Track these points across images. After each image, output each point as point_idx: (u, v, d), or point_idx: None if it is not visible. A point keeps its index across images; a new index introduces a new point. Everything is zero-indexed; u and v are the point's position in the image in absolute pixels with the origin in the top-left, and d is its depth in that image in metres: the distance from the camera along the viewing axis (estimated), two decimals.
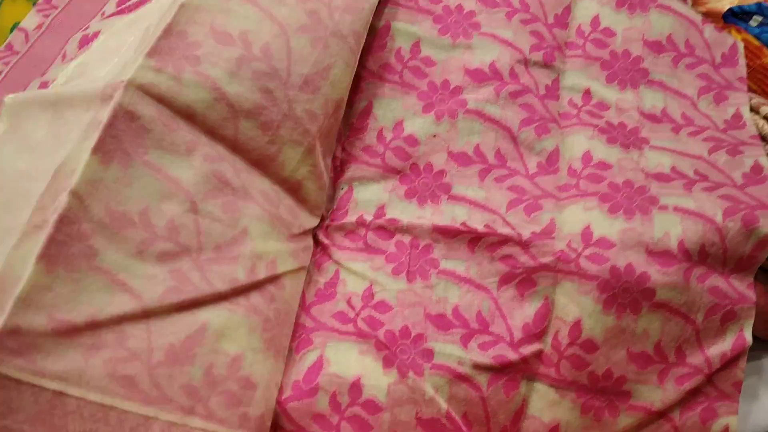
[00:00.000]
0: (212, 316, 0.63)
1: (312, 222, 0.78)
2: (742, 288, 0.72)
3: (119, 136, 0.59)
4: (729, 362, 0.72)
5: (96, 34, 0.83)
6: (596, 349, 0.70)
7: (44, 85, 0.81)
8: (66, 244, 0.55)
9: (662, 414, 0.72)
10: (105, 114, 0.59)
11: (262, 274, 0.68)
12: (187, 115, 0.65)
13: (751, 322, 0.72)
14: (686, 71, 0.88)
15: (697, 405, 0.72)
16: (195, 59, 0.66)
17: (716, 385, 0.72)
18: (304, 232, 0.76)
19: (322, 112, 0.74)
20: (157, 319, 0.59)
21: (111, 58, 0.71)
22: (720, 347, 0.72)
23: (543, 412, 0.71)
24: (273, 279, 0.69)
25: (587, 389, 0.71)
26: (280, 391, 0.68)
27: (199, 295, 0.62)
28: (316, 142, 0.74)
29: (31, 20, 0.91)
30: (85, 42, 0.83)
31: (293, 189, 0.74)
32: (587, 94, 0.85)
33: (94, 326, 0.55)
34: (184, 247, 0.63)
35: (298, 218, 0.74)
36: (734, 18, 0.96)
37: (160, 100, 0.63)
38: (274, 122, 0.70)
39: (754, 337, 0.72)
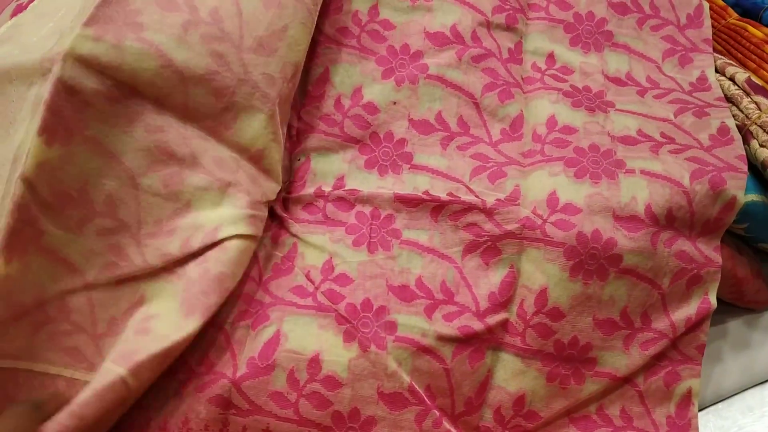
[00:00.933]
0: (149, 287, 0.64)
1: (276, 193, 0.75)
2: (708, 251, 0.71)
3: (61, 113, 0.57)
4: (693, 326, 0.71)
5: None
6: (562, 317, 0.69)
7: None
8: (21, 232, 0.55)
9: (627, 379, 0.71)
10: (45, 90, 0.57)
11: (197, 244, 0.65)
12: (131, 85, 0.62)
13: (716, 285, 0.71)
14: (651, 33, 0.87)
15: (660, 369, 0.72)
16: (137, 26, 0.62)
17: (680, 349, 0.72)
18: (266, 203, 0.73)
19: (280, 76, 0.71)
20: (99, 293, 0.61)
21: (45, 21, 0.67)
22: (685, 311, 0.71)
23: (508, 382, 0.69)
24: (213, 246, 0.66)
25: (553, 357, 0.70)
26: (234, 369, 0.66)
27: (135, 270, 0.63)
28: (276, 108, 0.71)
29: None
30: (19, 11, 0.78)
31: (255, 158, 0.71)
32: (551, 57, 0.83)
33: (40, 304, 0.57)
34: (122, 223, 0.62)
35: (261, 187, 0.71)
36: None
37: (101, 71, 0.60)
38: (229, 88, 0.67)
39: (719, 300, 0.72)
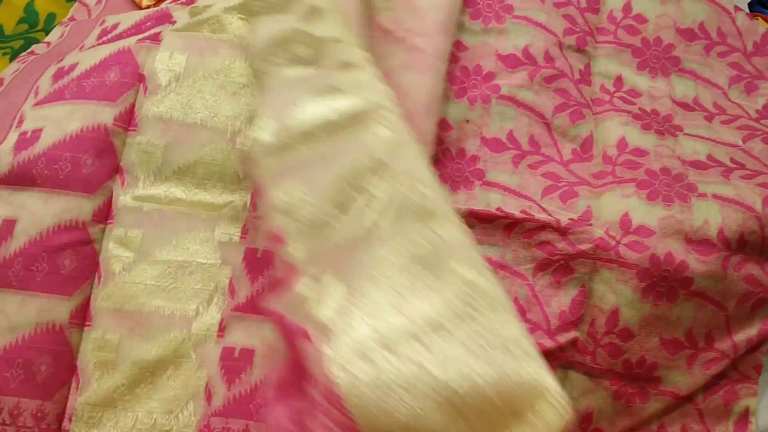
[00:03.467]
0: None
1: None
2: None
3: None
4: (753, 347, 0.73)
5: (73, 66, 0.81)
6: (632, 337, 0.70)
7: (20, 121, 0.79)
8: None
9: (688, 398, 0.73)
10: None
11: None
12: None
13: None
14: (718, 60, 0.88)
15: (719, 388, 0.73)
16: None
17: (739, 368, 0.74)
18: None
19: None
20: None
21: None
22: (747, 333, 0.73)
23: (577, 400, 0.71)
24: None
25: (621, 376, 0.71)
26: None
27: None
28: None
29: (9, 69, 0.89)
30: (60, 75, 0.81)
31: None
32: (618, 80, 0.85)
33: None
34: None
35: None
36: (761, 7, 0.96)
37: None
38: None
39: None
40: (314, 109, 0.67)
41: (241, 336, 0.70)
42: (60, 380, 0.69)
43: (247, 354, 0.69)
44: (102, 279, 0.72)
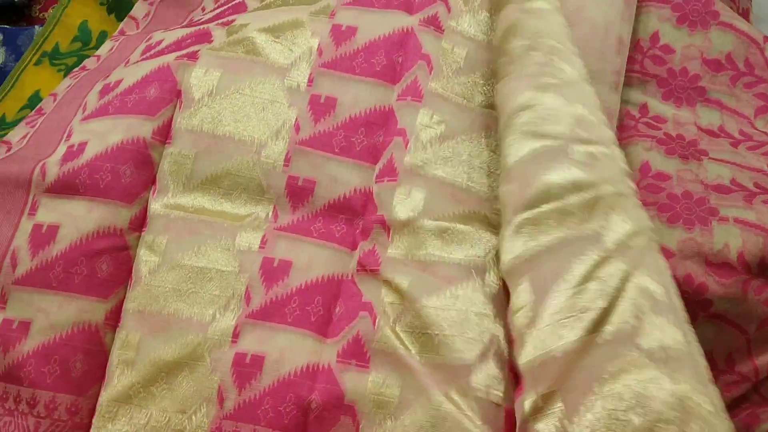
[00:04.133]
0: None
1: None
2: None
3: None
4: None
5: (117, 83, 0.86)
6: None
7: (69, 135, 0.84)
8: None
9: None
10: None
11: None
12: None
13: None
14: (744, 90, 0.89)
15: (741, 411, 0.73)
16: None
17: (760, 391, 0.73)
18: None
19: None
20: None
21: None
22: None
23: None
24: None
25: None
26: None
27: None
28: None
29: (63, 84, 0.95)
30: (106, 91, 0.86)
31: None
32: (644, 107, 0.86)
33: None
34: None
35: None
36: None
37: None
38: None
39: None
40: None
41: (253, 342, 0.72)
42: (93, 378, 0.72)
43: (258, 360, 0.71)
44: (132, 282, 0.75)
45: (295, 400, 0.69)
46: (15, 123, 0.90)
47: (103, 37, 1.02)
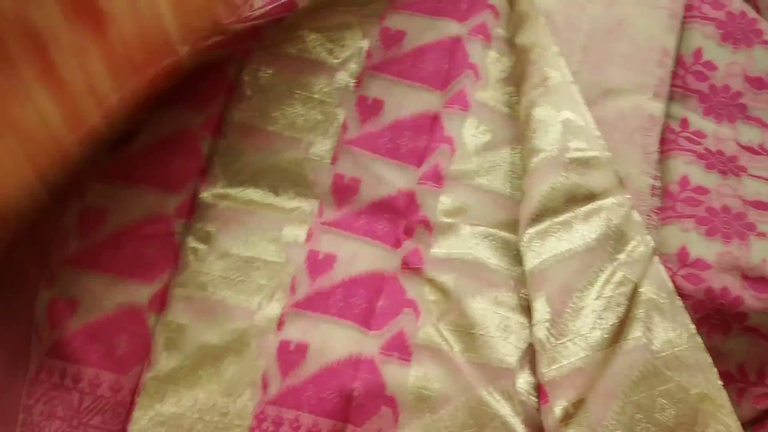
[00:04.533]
0: None
1: None
2: None
3: None
4: None
5: None
6: None
7: None
8: None
9: None
10: None
11: None
12: None
13: None
14: None
15: None
16: None
17: None
18: None
19: None
20: None
21: None
22: None
23: None
24: None
25: None
26: None
27: None
28: None
29: None
30: None
31: None
32: (684, 122, 0.87)
33: None
34: None
35: None
36: None
37: None
38: None
39: None
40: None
41: (297, 331, 0.74)
42: (136, 358, 0.75)
43: (302, 348, 0.73)
44: (179, 269, 0.78)
45: (338, 388, 0.71)
46: None
47: None
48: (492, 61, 0.88)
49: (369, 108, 0.86)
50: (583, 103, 0.80)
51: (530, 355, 0.72)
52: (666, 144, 0.85)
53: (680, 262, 0.73)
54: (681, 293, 0.71)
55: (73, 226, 0.78)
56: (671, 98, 0.88)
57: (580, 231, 0.73)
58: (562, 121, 0.78)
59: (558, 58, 0.83)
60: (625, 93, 0.84)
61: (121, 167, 0.80)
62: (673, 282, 0.72)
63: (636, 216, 0.73)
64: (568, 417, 0.67)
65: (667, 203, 0.79)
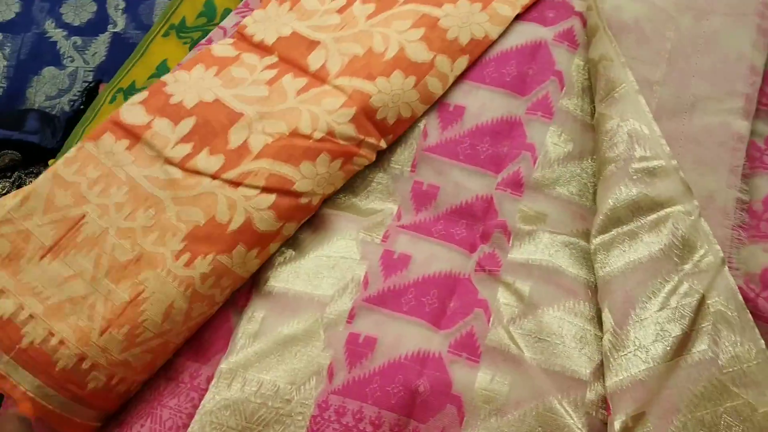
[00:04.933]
0: None
1: None
2: None
3: None
4: None
5: None
6: None
7: None
8: None
9: None
10: None
11: None
12: None
13: None
14: None
15: None
16: None
17: None
18: None
19: None
20: None
21: None
22: None
23: None
24: None
25: None
26: None
27: None
28: None
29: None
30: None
31: None
32: None
33: None
34: None
35: None
36: None
37: None
38: None
39: None
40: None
41: (367, 325, 0.75)
42: (217, 349, 0.77)
43: (371, 341, 0.73)
44: (265, 270, 0.80)
45: (404, 382, 0.71)
46: (143, 89, 0.93)
47: (227, 13, 1.05)
48: (577, 69, 0.87)
49: (450, 114, 0.87)
50: (649, 112, 0.79)
51: (602, 369, 0.72)
52: (751, 162, 0.83)
53: (763, 283, 0.72)
54: (762, 316, 0.70)
55: None
56: (756, 116, 0.86)
57: (646, 240, 0.72)
58: (627, 131, 0.78)
59: (624, 69, 0.82)
60: (711, 108, 0.82)
61: None
62: (756, 304, 0.71)
63: (704, 225, 0.72)
64: (627, 431, 0.66)
65: (751, 222, 0.78)
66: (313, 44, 0.87)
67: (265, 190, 0.77)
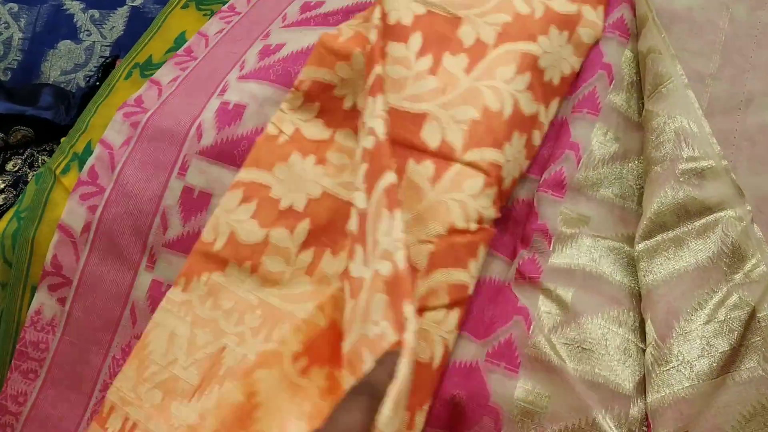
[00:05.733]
0: None
1: None
2: None
3: None
4: None
5: (279, 47, 0.84)
6: None
7: (224, 89, 0.82)
8: None
9: None
10: None
11: None
12: None
13: None
14: None
15: None
16: None
17: None
18: None
19: None
20: None
21: None
22: None
23: None
24: None
25: None
26: None
27: None
28: None
29: (212, 26, 0.93)
30: (265, 53, 0.84)
31: None
32: None
33: None
34: None
35: None
36: None
37: None
38: None
39: None
40: None
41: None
42: None
43: None
44: None
45: (439, 393, 0.67)
46: (161, 64, 0.89)
47: None
48: (627, 61, 0.82)
49: None
50: (699, 108, 0.74)
51: (644, 383, 0.68)
52: None
53: None
54: None
55: (176, 208, 0.76)
56: None
57: (692, 247, 0.68)
58: (674, 129, 0.73)
59: (674, 62, 0.77)
60: None
61: (229, 149, 0.78)
62: None
63: (757, 231, 0.67)
64: None
65: None
66: (418, 117, 0.75)
67: (452, 305, 0.69)
